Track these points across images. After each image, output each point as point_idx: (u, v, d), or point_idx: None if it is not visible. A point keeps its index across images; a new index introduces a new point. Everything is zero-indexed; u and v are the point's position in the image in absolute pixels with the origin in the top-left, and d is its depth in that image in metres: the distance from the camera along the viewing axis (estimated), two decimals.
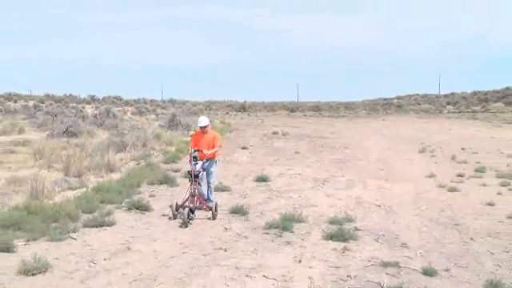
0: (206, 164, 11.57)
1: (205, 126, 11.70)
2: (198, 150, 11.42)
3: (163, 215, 11.13)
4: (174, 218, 10.79)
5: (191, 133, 12.70)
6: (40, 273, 7.34)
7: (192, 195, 10.86)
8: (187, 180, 11.39)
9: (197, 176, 11.05)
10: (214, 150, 11.64)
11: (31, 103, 63.73)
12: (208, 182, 11.75)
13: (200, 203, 11.15)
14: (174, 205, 10.94)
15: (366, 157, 22.63)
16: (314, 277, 7.47)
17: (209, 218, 10.97)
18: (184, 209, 10.58)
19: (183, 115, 37.86)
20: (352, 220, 10.70)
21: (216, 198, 12.02)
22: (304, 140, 30.93)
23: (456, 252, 8.82)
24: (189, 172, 11.13)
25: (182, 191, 13.75)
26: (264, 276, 7.49)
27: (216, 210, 11.13)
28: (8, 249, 8.31)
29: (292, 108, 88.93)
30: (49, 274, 7.39)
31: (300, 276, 7.51)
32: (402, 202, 12.82)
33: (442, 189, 14.62)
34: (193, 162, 11.17)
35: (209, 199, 11.69)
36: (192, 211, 10.67)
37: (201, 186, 11.39)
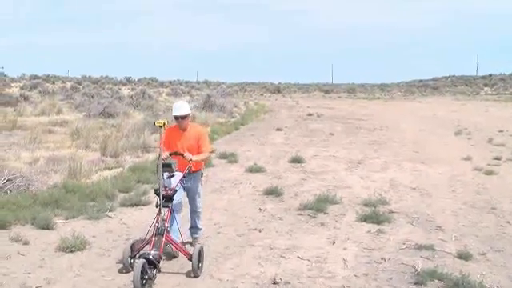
0: (189, 180, 7.73)
1: (184, 117, 7.64)
2: (176, 154, 7.46)
3: None
4: (126, 272, 6.69)
5: (160, 122, 7.00)
6: (78, 250, 7.50)
7: (158, 233, 6.61)
8: (201, 172, 8.11)
9: (170, 199, 6.93)
10: (204, 156, 7.88)
11: (69, 85, 64.66)
12: (194, 210, 8.12)
13: (173, 249, 7.15)
14: (128, 248, 6.80)
15: (401, 139, 22.42)
16: (348, 258, 7.47)
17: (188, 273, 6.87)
18: (139, 258, 6.28)
19: (218, 96, 37.90)
20: (386, 202, 10.65)
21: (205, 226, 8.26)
22: (338, 122, 30.78)
23: (492, 236, 8.72)
24: (156, 191, 6.96)
25: (216, 174, 13.87)
26: (298, 257, 7.52)
27: (200, 260, 6.83)
28: (48, 226, 8.50)
29: (327, 90, 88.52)
30: (87, 251, 7.55)
31: (334, 257, 7.52)
32: (437, 185, 12.69)
33: (479, 172, 14.42)
34: (164, 175, 7.08)
35: (194, 229, 8.19)
36: (154, 264, 6.25)
37: (175, 217, 7.34)
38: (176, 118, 7.73)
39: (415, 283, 6.58)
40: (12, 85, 61.98)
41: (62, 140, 18.44)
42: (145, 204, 10.21)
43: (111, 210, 9.66)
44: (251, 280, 6.64)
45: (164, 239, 6.68)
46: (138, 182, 11.93)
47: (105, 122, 23.54)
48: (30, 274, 6.65)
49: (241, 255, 7.59)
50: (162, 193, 6.94)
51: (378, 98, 70.60)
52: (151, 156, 15.88)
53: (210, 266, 7.10)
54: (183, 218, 7.98)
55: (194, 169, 7.68)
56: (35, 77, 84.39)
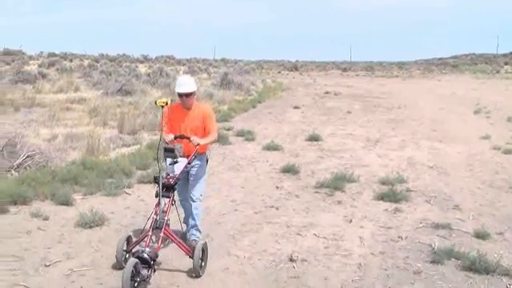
0: (195, 164, 6.99)
1: (188, 94, 6.79)
2: (182, 138, 6.70)
3: (213, 173, 11.25)
4: (120, 268, 5.95)
5: (161, 101, 6.36)
6: (97, 225, 7.57)
7: (156, 227, 5.97)
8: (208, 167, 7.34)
9: (172, 188, 6.23)
10: (212, 138, 7.02)
11: (86, 62, 64.80)
12: (192, 198, 7.03)
13: (176, 242, 6.29)
14: (123, 241, 6.21)
15: (419, 117, 22.28)
16: (365, 236, 7.48)
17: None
18: (133, 254, 5.68)
19: (235, 74, 37.82)
20: (404, 181, 10.61)
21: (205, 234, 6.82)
22: (356, 100, 30.63)
23: (510, 215, 8.66)
24: (155, 179, 6.24)
25: (233, 151, 13.90)
26: (315, 234, 7.54)
27: (203, 259, 6.23)
28: (67, 202, 8.59)
29: (344, 68, 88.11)
30: (105, 227, 7.63)
31: (350, 235, 7.53)
32: (455, 164, 12.62)
33: (497, 151, 14.31)
34: (167, 161, 6.54)
35: (193, 230, 7.12)
36: (148, 263, 5.53)
37: (171, 205, 6.31)
38: (180, 95, 6.80)
39: (432, 262, 6.58)
40: (30, 62, 62.26)
41: (80, 117, 18.53)
42: None
43: (129, 187, 9.73)
44: (268, 257, 6.68)
45: (162, 234, 5.94)
46: (155, 159, 11.96)
47: (122, 99, 23.58)
48: (49, 248, 6.75)
49: (258, 232, 7.63)
50: (163, 181, 6.21)
51: (397, 76, 70.09)
52: None
53: (227, 243, 7.15)
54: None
55: (199, 151, 6.80)
56: (53, 54, 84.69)
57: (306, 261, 6.56)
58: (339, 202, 9.21)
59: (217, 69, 61.89)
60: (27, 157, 10.54)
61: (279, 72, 78.36)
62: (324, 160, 12.94)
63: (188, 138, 6.66)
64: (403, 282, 6.01)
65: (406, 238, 7.45)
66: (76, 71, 47.56)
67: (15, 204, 8.33)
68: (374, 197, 9.51)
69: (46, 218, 7.83)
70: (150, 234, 5.89)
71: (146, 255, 5.54)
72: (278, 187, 10.21)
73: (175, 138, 6.69)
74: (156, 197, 6.18)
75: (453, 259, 6.62)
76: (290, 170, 11.39)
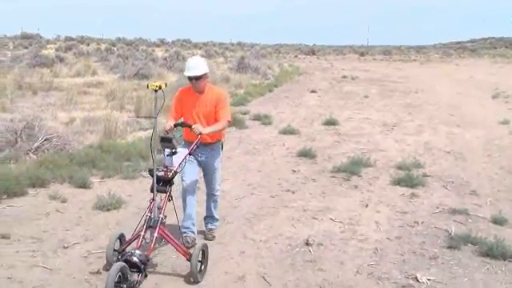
0: (204, 153, 6.51)
1: (198, 78, 6.23)
2: (183, 125, 6.28)
3: (230, 157, 11.27)
4: (107, 269, 5.42)
5: (154, 85, 5.46)
6: (114, 208, 7.63)
7: (150, 226, 5.45)
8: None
9: (169, 182, 5.71)
10: (219, 126, 6.31)
11: (103, 46, 64.99)
12: (211, 192, 6.74)
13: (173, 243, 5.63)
14: (114, 239, 5.67)
15: (436, 102, 22.12)
16: (381, 221, 7.47)
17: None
18: (121, 257, 5.17)
19: (252, 58, 37.75)
20: (421, 166, 10.56)
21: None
22: (373, 84, 30.46)
23: None
24: (150, 172, 5.68)
25: (249, 135, 13.92)
26: (331, 219, 7.54)
27: (202, 262, 5.69)
28: (84, 185, 8.66)
29: (362, 52, 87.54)
30: (122, 209, 7.68)
31: (367, 220, 7.53)
32: (472, 149, 12.54)
33: None
34: (165, 151, 5.86)
35: (210, 219, 6.87)
36: (137, 267, 4.98)
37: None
38: (189, 79, 6.27)
39: (448, 247, 6.56)
40: (47, 46, 62.59)
41: (97, 101, 18.61)
42: None
43: (146, 170, 9.78)
44: (284, 241, 6.70)
45: (157, 234, 5.39)
46: (150, 149, 11.99)
47: (139, 83, 23.65)
48: (68, 230, 6.82)
49: (274, 216, 7.64)
50: (160, 174, 5.69)
51: (414, 60, 69.54)
52: None
53: (244, 227, 7.17)
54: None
55: (209, 140, 6.37)
56: (70, 38, 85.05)
57: (321, 245, 6.57)
58: (356, 187, 9.20)
59: (233, 53, 61.83)
60: (45, 140, 10.62)
61: (296, 56, 78.08)
62: (341, 144, 12.91)
63: (189, 126, 6.08)
64: (419, 267, 6.00)
65: (423, 223, 7.43)
66: (93, 55, 47.70)
67: (34, 186, 8.42)
68: (390, 181, 9.48)
69: (64, 201, 7.90)
70: (143, 233, 5.39)
71: (135, 258, 4.97)
72: (294, 171, 10.22)
73: (175, 125, 6.22)
74: (151, 191, 5.62)
75: (469, 245, 6.60)
76: (306, 154, 11.39)
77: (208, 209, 6.87)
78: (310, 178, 9.72)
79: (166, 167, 5.81)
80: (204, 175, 6.72)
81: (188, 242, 6.28)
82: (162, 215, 5.51)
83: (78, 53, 49.17)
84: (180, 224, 6.29)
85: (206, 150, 6.47)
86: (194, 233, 6.47)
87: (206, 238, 6.64)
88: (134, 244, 5.44)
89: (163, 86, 5.51)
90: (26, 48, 55.48)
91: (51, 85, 22.28)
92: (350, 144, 12.94)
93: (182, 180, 6.30)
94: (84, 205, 7.83)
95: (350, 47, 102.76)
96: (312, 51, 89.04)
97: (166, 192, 5.68)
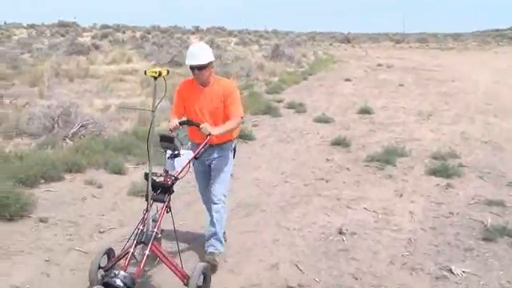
0: (217, 157, 5.65)
1: (202, 67, 5.34)
2: (189, 124, 5.50)
3: (264, 145, 11.29)
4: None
5: (153, 71, 4.67)
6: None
7: (141, 242, 4.63)
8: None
9: (168, 189, 4.89)
10: (231, 125, 5.44)
11: (138, 34, 65.44)
12: (212, 199, 5.68)
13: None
14: (101, 256, 4.88)
15: (473, 90, 21.75)
16: (415, 212, 7.40)
17: None
18: (102, 279, 4.44)
19: (286, 46, 37.63)
20: (456, 156, 10.42)
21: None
22: (409, 72, 30.09)
23: None
24: (146, 175, 4.85)
25: (283, 123, 13.91)
26: (365, 208, 7.51)
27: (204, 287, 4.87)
28: (120, 171, 8.77)
29: (397, 40, 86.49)
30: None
31: (401, 210, 7.47)
32: (510, 139, 12.31)
33: None
34: (167, 152, 5.23)
35: (213, 240, 5.70)
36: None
37: (166, 213, 4.93)
38: (191, 68, 5.38)
39: (484, 239, 6.47)
40: (84, 34, 63.24)
41: (132, 88, 18.78)
42: None
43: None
44: (318, 229, 6.69)
45: (148, 251, 4.54)
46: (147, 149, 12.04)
47: (173, 71, 23.76)
48: (103, 215, 6.92)
49: (307, 205, 7.64)
50: (158, 179, 4.91)
51: (451, 48, 68.41)
52: None
53: (277, 215, 7.19)
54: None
55: (216, 141, 5.43)
56: (106, 26, 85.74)
57: (355, 234, 6.54)
58: (390, 176, 9.13)
59: (268, 40, 61.69)
60: (81, 126, 10.78)
61: (331, 44, 77.53)
62: (375, 133, 12.82)
63: (197, 125, 5.26)
64: (454, 258, 5.93)
65: (458, 214, 7.34)
66: (128, 43, 48.09)
67: (70, 172, 8.55)
68: (425, 171, 9.38)
69: (99, 186, 8.02)
70: (132, 250, 4.56)
71: (118, 281, 4.19)
72: (328, 160, 10.18)
73: (181, 123, 5.39)
74: (146, 200, 4.84)
75: (506, 237, 6.49)
76: (340, 142, 11.34)
77: (210, 223, 5.68)
78: (343, 167, 9.68)
79: (167, 172, 5.06)
80: (210, 178, 5.77)
81: (215, 260, 5.52)
82: (156, 229, 4.68)
83: (113, 40, 49.63)
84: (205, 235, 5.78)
85: (213, 151, 5.59)
86: (218, 250, 5.70)
87: (206, 261, 5.43)
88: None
89: (164, 73, 4.70)
90: (63, 36, 56.17)
91: (87, 72, 22.57)
92: (385, 133, 12.84)
93: (198, 189, 5.99)
94: (119, 190, 7.93)
95: (385, 35, 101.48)
96: (347, 39, 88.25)
97: (163, 201, 4.84)
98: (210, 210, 5.73)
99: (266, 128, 13.07)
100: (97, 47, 37.31)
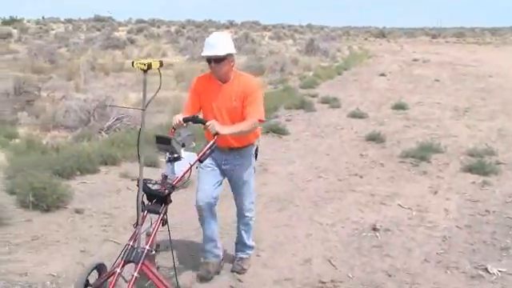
0: (231, 161, 5.03)
1: (220, 59, 4.72)
2: (195, 121, 4.71)
3: (297, 140, 11.28)
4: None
5: (141, 63, 4.00)
6: (182, 188, 7.74)
7: (130, 260, 4.03)
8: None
9: (163, 200, 4.29)
10: (246, 126, 4.73)
11: (173, 28, 65.87)
12: (239, 212, 5.32)
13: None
14: (88, 271, 4.20)
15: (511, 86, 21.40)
16: (450, 209, 7.30)
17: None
18: None
19: (321, 40, 37.50)
20: (493, 153, 10.25)
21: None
22: (445, 68, 29.72)
23: None
24: (138, 182, 4.24)
25: (318, 118, 13.87)
26: (399, 205, 7.44)
27: None
28: (154, 164, 8.83)
29: (433, 34, 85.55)
30: (190, 189, 7.74)
31: (436, 207, 7.38)
32: None
33: None
34: (166, 156, 4.56)
35: (242, 246, 5.40)
36: None
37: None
38: (208, 61, 4.77)
39: None
40: (119, 29, 63.94)
41: (167, 82, 18.89)
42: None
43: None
44: (351, 225, 6.65)
45: (137, 273, 3.96)
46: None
47: (207, 65, 23.85)
48: None
49: (341, 200, 7.60)
50: (154, 187, 4.33)
51: (489, 42, 67.37)
52: None
53: (310, 210, 7.17)
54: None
55: (235, 143, 4.93)
56: (141, 21, 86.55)
57: (389, 231, 6.49)
58: (425, 173, 9.03)
59: (302, 35, 61.53)
60: (116, 119, 10.90)
61: (366, 39, 77.02)
62: (410, 129, 12.70)
63: (203, 123, 4.63)
64: (490, 257, 5.84)
65: (494, 212, 7.22)
66: (163, 37, 48.43)
67: (105, 164, 8.65)
68: (461, 168, 9.26)
69: (134, 179, 8.07)
70: (119, 270, 3.99)
71: None
72: (362, 155, 10.12)
73: (185, 120, 4.69)
74: (137, 212, 4.22)
75: None
76: (374, 138, 11.26)
77: (238, 233, 5.40)
78: (377, 163, 9.61)
79: (166, 177, 4.43)
80: (231, 189, 5.26)
81: (209, 271, 5.09)
82: (148, 246, 4.08)
83: (148, 35, 50.09)
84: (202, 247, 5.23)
85: (231, 156, 5.00)
86: (217, 257, 5.19)
87: (232, 270, 5.31)
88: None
89: (155, 65, 4.03)
90: (99, 30, 56.93)
91: (122, 66, 22.80)
92: (420, 129, 12.70)
93: (196, 192, 5.00)
94: None
95: (421, 29, 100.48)
96: (382, 34, 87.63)
97: (158, 213, 4.24)
98: (209, 214, 4.98)
99: (300, 123, 13.06)
100: (132, 41, 37.73)
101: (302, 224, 6.67)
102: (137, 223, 4.17)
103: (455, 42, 69.22)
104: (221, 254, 5.25)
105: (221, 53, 4.67)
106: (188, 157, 4.49)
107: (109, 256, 5.54)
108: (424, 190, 8.11)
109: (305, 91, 18.28)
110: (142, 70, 3.98)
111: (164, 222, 4.26)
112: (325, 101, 16.29)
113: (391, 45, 61.94)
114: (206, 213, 4.96)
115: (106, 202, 7.13)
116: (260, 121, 4.80)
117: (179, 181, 4.39)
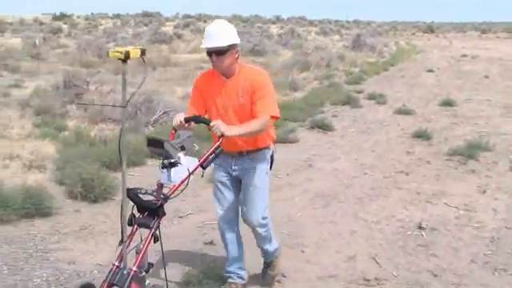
0: (241, 166, 4.46)
1: (221, 52, 4.09)
2: (197, 121, 4.18)
3: (343, 136, 11.21)
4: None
5: (115, 53, 3.25)
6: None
7: (113, 283, 3.44)
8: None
9: (157, 211, 3.72)
10: (255, 126, 4.13)
11: None
12: (252, 223, 4.53)
13: None
14: None
15: None
16: (499, 209, 7.14)
17: None
18: None
19: (368, 36, 37.17)
20: None
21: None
22: (495, 64, 29.13)
23: None
24: (128, 192, 3.64)
25: (364, 114, 13.76)
26: (445, 203, 7.31)
27: None
28: (199, 157, 8.89)
29: (483, 29, 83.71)
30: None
31: (483, 207, 7.23)
32: None
33: None
34: (160, 162, 3.97)
35: (265, 252, 4.83)
36: None
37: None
38: (208, 54, 4.17)
39: None
40: (167, 24, 64.59)
41: None
42: (292, 142, 10.41)
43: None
44: (396, 223, 6.58)
45: None
46: (285, 119, 12.08)
47: (254, 59, 23.91)
48: (183, 201, 7.01)
49: (386, 197, 7.52)
50: (146, 197, 3.76)
51: None
52: (298, 95, 16.03)
53: (355, 206, 7.12)
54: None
55: (246, 147, 4.36)
56: (188, 16, 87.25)
57: (435, 230, 6.39)
58: (472, 171, 8.86)
59: (349, 30, 61.11)
60: (163, 113, 11.02)
61: (413, 34, 75.99)
62: (458, 126, 12.48)
63: (207, 123, 4.06)
64: None
65: None
66: None
67: (152, 157, 8.75)
68: (510, 167, 9.05)
69: None
70: None
71: None
72: (408, 152, 10.00)
73: (186, 120, 4.13)
74: (129, 225, 3.71)
75: None
76: (421, 135, 11.10)
77: (257, 241, 4.76)
78: (424, 160, 9.47)
79: (162, 186, 3.92)
80: (242, 197, 4.58)
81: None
82: (136, 267, 3.52)
83: (195, 30, 50.42)
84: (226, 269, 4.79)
85: (241, 160, 4.44)
86: (242, 278, 4.74)
87: (263, 284, 4.92)
88: None
89: (135, 54, 3.33)
90: (146, 25, 57.63)
91: (169, 61, 23.02)
92: (468, 126, 12.47)
93: (216, 213, 4.68)
94: (198, 178, 8.01)
95: (470, 24, 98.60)
96: (430, 29, 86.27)
97: (149, 228, 3.66)
98: (228, 233, 4.64)
99: (346, 119, 12.98)
100: (179, 36, 38.06)
101: (346, 220, 6.63)
102: (121, 240, 3.57)
103: (506, 38, 67.65)
104: (245, 275, 4.78)
105: (222, 43, 4.07)
106: (188, 162, 3.89)
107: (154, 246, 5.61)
108: (472, 189, 7.95)
109: (351, 87, 18.18)
110: (119, 59, 3.29)
111: (156, 239, 3.66)
112: (371, 97, 16.17)
113: (440, 40, 60.95)
114: (228, 234, 4.65)
115: None
116: (273, 118, 4.21)
117: (175, 190, 3.83)
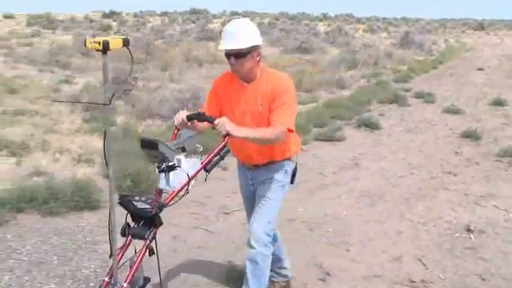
0: (257, 177, 4.11)
1: (242, 54, 3.65)
2: (200, 119, 3.71)
3: (390, 135, 11.09)
4: None
5: (92, 42, 2.96)
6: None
7: None
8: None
9: (153, 219, 3.37)
10: (270, 133, 3.65)
11: (266, 20, 66.23)
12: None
13: None
14: None
15: None
16: None
17: None
18: None
19: (416, 33, 36.69)
20: None
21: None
22: None
23: None
24: (120, 199, 3.47)
25: (411, 113, 13.59)
26: (494, 206, 7.15)
27: None
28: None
29: None
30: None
31: None
32: None
33: None
34: (156, 166, 3.53)
35: (279, 266, 4.55)
36: None
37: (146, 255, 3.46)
38: (227, 56, 3.74)
39: None
40: (214, 21, 64.99)
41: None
42: (338, 140, 10.38)
43: (305, 144, 9.84)
44: (443, 225, 6.46)
45: None
46: (332, 117, 12.04)
47: (300, 57, 23.87)
48: (228, 197, 7.08)
49: (433, 198, 7.40)
50: (141, 205, 3.41)
51: None
52: (345, 93, 15.93)
53: (402, 206, 7.03)
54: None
55: (260, 160, 4.01)
56: (235, 13, 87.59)
57: (483, 232, 6.25)
58: None
59: (397, 28, 60.42)
60: None
61: (463, 31, 74.59)
62: (509, 127, 12.19)
63: (211, 121, 3.63)
64: None
65: None
66: None
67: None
68: None
69: (225, 169, 8.17)
70: None
71: None
72: (456, 153, 9.82)
73: (189, 118, 3.75)
74: (122, 235, 3.43)
75: None
76: (470, 135, 10.89)
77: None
78: (473, 161, 9.29)
79: (161, 192, 3.61)
80: (254, 206, 4.16)
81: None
82: (127, 284, 3.24)
83: None
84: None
85: (257, 172, 4.10)
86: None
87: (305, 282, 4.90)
88: None
89: (116, 44, 3.06)
90: (194, 22, 58.11)
91: (216, 58, 23.14)
92: None
93: (247, 217, 4.49)
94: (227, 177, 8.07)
95: None
96: (481, 26, 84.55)
97: (144, 239, 3.36)
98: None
99: (393, 117, 12.83)
100: None
101: (392, 220, 6.55)
102: (111, 253, 3.25)
103: None
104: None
105: (243, 45, 3.63)
106: (189, 165, 3.52)
107: (201, 242, 5.66)
108: None
109: (399, 85, 17.97)
110: (97, 50, 2.96)
111: (151, 252, 3.38)
112: (419, 95, 15.95)
113: (491, 37, 59.69)
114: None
115: (197, 191, 7.23)
116: (290, 131, 3.71)
117: (174, 197, 3.45)
